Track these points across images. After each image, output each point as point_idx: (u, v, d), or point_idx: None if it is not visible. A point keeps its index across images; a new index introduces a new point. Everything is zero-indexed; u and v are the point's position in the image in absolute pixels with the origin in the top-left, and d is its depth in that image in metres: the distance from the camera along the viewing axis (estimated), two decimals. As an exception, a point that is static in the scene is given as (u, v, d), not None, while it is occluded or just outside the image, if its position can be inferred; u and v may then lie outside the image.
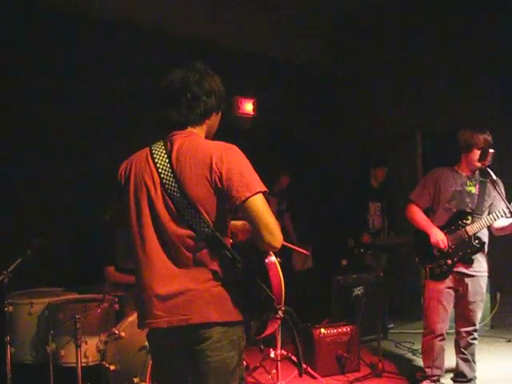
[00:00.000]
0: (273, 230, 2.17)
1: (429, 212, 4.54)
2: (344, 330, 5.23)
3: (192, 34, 6.38)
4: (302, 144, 7.69)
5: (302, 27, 7.47)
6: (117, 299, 4.41)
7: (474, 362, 4.46)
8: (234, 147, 2.28)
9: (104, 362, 4.07)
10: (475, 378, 4.47)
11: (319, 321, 5.43)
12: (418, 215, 4.49)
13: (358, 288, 6.18)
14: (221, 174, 2.19)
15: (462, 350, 4.45)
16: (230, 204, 2.22)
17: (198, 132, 2.38)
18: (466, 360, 4.45)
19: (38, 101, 5.38)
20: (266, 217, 2.17)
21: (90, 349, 4.17)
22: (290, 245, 4.78)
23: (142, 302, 2.33)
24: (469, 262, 4.32)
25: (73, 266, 5.31)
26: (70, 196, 5.53)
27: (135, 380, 3.68)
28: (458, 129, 4.46)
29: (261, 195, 2.19)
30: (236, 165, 2.21)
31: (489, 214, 4.28)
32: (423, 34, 7.13)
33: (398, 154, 7.55)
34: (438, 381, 4.58)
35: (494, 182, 4.15)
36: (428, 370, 4.57)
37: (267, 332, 2.37)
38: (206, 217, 2.22)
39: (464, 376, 4.46)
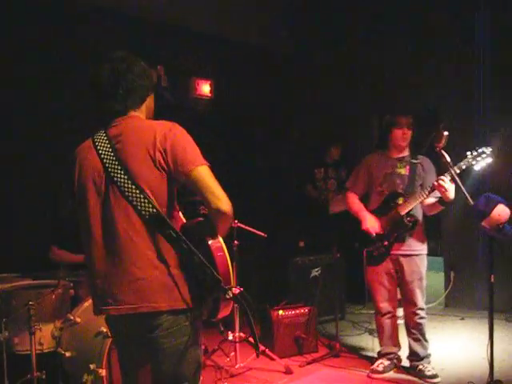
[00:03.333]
0: (219, 195, 2.20)
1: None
2: (302, 311, 5.27)
3: (150, 14, 6.24)
4: (261, 126, 7.66)
5: (261, 8, 7.40)
6: (72, 284, 4.33)
7: (426, 341, 4.55)
8: (176, 125, 2.32)
9: (59, 349, 4.00)
10: (429, 355, 4.57)
11: (277, 302, 5.46)
12: (352, 202, 4.68)
13: (316, 269, 6.25)
14: (165, 151, 2.22)
15: (412, 330, 4.55)
16: (176, 179, 2.25)
17: (137, 114, 2.40)
18: (416, 340, 4.54)
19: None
20: (211, 184, 2.21)
21: (44, 336, 4.09)
22: (246, 227, 4.78)
23: (95, 289, 2.34)
24: (403, 242, 4.44)
25: (27, 251, 5.19)
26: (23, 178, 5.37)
27: (91, 366, 3.63)
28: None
29: (205, 166, 2.24)
30: (179, 140, 2.25)
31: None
32: (385, 19, 7.15)
33: (357, 137, 7.62)
34: (396, 358, 4.67)
35: (448, 164, 4.21)
36: (382, 348, 4.69)
37: (221, 314, 2.37)
38: (151, 196, 2.22)
39: (417, 355, 4.55)
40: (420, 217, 4.52)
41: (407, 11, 6.93)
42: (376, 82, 7.30)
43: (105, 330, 3.66)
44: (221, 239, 2.38)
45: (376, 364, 4.64)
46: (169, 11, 6.43)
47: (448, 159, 4.22)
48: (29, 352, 3.83)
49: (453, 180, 4.09)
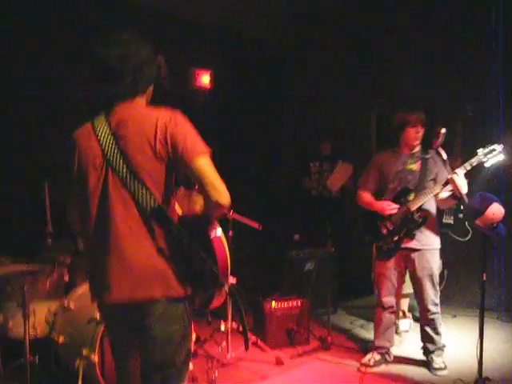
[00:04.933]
0: (218, 187, 2.19)
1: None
2: (294, 303, 5.29)
3: (149, 4, 6.23)
4: (259, 117, 7.67)
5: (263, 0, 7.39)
6: (66, 270, 4.35)
7: (438, 334, 4.60)
8: (177, 113, 2.29)
9: (53, 334, 4.03)
10: (440, 348, 4.61)
11: (270, 294, 5.48)
12: (364, 197, 4.69)
13: (310, 263, 6.28)
14: (166, 139, 2.20)
15: (423, 325, 4.62)
16: (176, 167, 2.24)
17: (139, 101, 2.37)
18: (427, 335, 4.60)
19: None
20: (211, 175, 2.20)
21: (38, 320, 4.12)
22: (241, 218, 4.79)
23: (91, 276, 2.38)
24: (412, 237, 4.45)
25: (22, 235, 5.19)
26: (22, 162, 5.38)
27: (84, 352, 3.66)
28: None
29: (206, 157, 2.22)
30: (180, 129, 2.23)
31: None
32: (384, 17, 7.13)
33: (355, 133, 7.63)
34: (387, 353, 4.71)
35: (444, 162, 4.24)
36: (376, 341, 4.72)
37: (213, 305, 2.39)
38: (152, 188, 2.21)
39: (427, 349, 4.63)
40: (433, 211, 4.53)
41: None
42: (378, 76, 7.28)
43: (98, 317, 3.68)
44: (221, 233, 2.39)
45: (367, 358, 4.68)
46: (167, 1, 6.42)
47: (445, 157, 4.25)
48: (22, 336, 3.85)
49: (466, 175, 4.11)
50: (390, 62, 7.08)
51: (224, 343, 4.87)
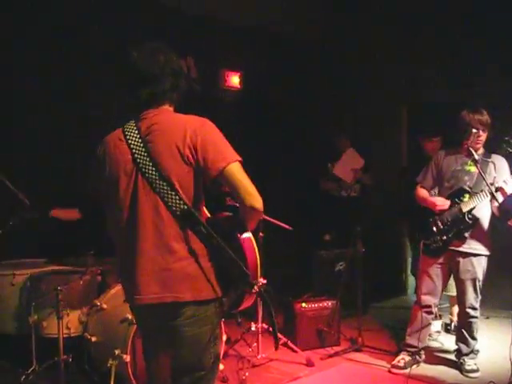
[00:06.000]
0: (252, 192, 2.22)
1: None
2: (325, 304, 5.29)
3: (178, 5, 6.27)
4: (289, 117, 7.66)
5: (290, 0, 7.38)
6: (99, 271, 4.42)
7: (474, 339, 4.57)
8: (207, 120, 2.32)
9: (86, 334, 4.10)
10: (473, 352, 4.59)
11: (301, 295, 5.48)
12: (421, 193, 4.66)
13: (340, 263, 6.26)
14: (195, 147, 2.22)
15: (460, 327, 4.62)
16: (207, 176, 2.25)
17: (169, 108, 2.42)
18: (462, 337, 4.58)
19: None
20: (243, 181, 2.22)
21: (72, 320, 4.20)
22: (271, 219, 4.80)
23: (124, 278, 2.43)
24: (462, 239, 4.41)
25: (59, 238, 5.27)
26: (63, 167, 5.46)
27: (116, 352, 3.71)
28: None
29: (237, 163, 2.25)
30: (210, 137, 2.26)
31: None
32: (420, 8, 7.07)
33: (383, 128, 7.58)
34: (417, 354, 4.66)
35: (475, 162, 4.19)
36: (407, 338, 4.70)
37: (243, 306, 2.42)
38: (181, 192, 2.24)
39: (460, 351, 4.62)
40: (487, 216, 4.47)
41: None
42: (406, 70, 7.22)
43: (130, 317, 3.73)
44: (251, 234, 2.41)
45: (397, 359, 4.65)
46: (197, 3, 6.46)
47: (476, 157, 4.20)
48: (56, 336, 3.92)
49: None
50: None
51: (255, 344, 4.89)
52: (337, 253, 6.31)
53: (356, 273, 5.67)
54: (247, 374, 4.37)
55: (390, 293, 6.98)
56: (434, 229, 4.48)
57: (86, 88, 5.57)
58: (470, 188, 4.40)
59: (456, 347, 4.70)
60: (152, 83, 2.34)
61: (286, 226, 4.93)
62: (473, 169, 4.41)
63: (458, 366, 4.61)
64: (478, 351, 4.63)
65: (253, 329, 4.92)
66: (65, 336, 4.04)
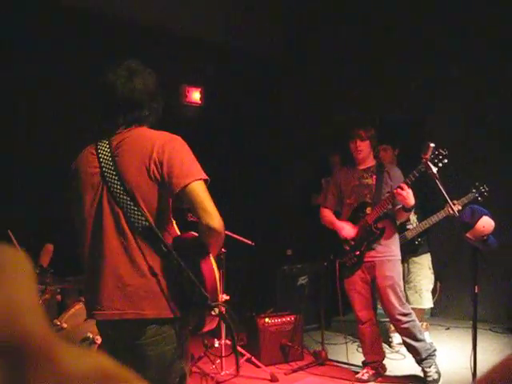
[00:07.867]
0: (210, 211, 2.18)
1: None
2: (288, 319, 5.29)
3: (140, 19, 6.25)
4: (250, 133, 7.68)
5: (251, 14, 7.43)
6: (59, 290, 4.33)
7: (419, 340, 4.49)
8: (177, 137, 2.31)
9: (45, 354, 3.99)
10: (428, 357, 4.50)
11: (264, 310, 5.47)
12: (326, 216, 4.77)
13: (303, 277, 6.28)
14: (161, 161, 2.21)
15: (401, 336, 4.63)
16: (170, 191, 2.24)
17: (143, 125, 2.40)
18: (407, 344, 4.55)
19: None
20: (204, 200, 2.19)
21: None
22: (233, 234, 4.79)
23: (88, 293, 2.40)
24: (374, 249, 4.53)
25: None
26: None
27: (77, 372, 3.62)
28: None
29: (201, 182, 2.22)
30: (178, 154, 2.24)
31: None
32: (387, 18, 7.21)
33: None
34: (380, 367, 4.69)
35: (434, 176, 4.26)
36: (366, 357, 4.74)
37: (207, 328, 2.37)
38: (144, 207, 2.23)
39: (415, 358, 4.56)
40: (392, 223, 4.61)
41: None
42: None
43: (91, 336, 3.67)
44: (211, 257, 2.39)
45: (361, 373, 4.68)
46: (159, 16, 6.45)
47: (434, 171, 4.27)
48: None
49: (409, 186, 4.22)
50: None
51: (218, 360, 4.85)
52: (299, 267, 6.33)
53: (318, 287, 5.70)
54: (211, 391, 4.34)
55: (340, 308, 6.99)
56: (347, 247, 4.60)
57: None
58: (371, 200, 4.53)
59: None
60: (132, 110, 2.34)
61: (249, 242, 4.94)
62: (370, 181, 4.59)
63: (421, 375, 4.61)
64: (434, 351, 4.56)
65: (216, 345, 4.89)
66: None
